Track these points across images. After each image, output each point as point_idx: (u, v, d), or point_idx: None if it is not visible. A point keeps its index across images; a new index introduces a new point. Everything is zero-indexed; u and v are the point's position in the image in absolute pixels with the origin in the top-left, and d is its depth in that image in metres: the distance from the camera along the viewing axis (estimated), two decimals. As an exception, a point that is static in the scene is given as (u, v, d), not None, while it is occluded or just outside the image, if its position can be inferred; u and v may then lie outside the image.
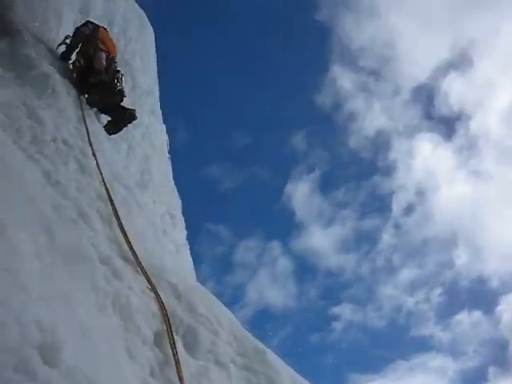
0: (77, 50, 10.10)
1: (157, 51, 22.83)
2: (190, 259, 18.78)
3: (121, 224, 5.65)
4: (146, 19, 22.52)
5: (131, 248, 5.24)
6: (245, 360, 5.03)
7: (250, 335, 5.61)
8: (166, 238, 13.23)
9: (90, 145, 7.39)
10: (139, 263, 5.03)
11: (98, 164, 6.93)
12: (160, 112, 20.93)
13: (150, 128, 18.98)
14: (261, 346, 5.40)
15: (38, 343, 2.27)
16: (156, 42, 22.77)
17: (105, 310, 3.92)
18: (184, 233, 19.10)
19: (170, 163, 20.33)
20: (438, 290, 47.51)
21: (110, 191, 6.42)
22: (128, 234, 5.51)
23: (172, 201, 19.07)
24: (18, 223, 3.17)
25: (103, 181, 6.51)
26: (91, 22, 10.86)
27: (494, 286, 47.35)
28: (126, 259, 5.28)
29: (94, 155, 7.12)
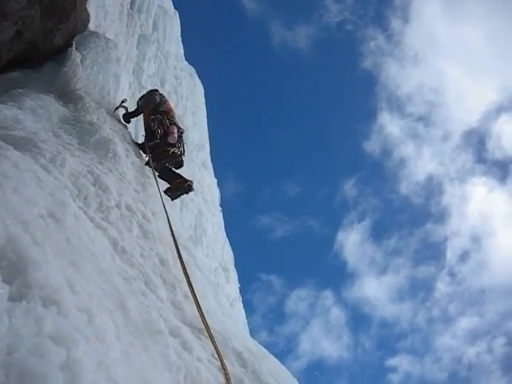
0: (152, 117, 10.51)
1: (206, 105, 23.47)
2: (243, 313, 18.77)
3: (192, 290, 5.72)
4: (196, 76, 23.30)
5: (202, 316, 5.28)
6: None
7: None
8: (221, 293, 13.20)
9: (164, 208, 7.64)
10: (209, 332, 5.05)
11: (172, 231, 7.11)
12: (211, 165, 21.38)
13: (202, 182, 19.39)
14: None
15: None
16: (205, 97, 23.43)
17: (179, 387, 3.94)
18: (237, 286, 19.15)
19: (221, 216, 20.60)
20: (502, 340, 45.35)
21: (177, 255, 6.56)
22: (199, 302, 5.56)
23: (225, 254, 19.22)
24: (99, 304, 3.25)
25: (176, 246, 6.66)
26: (157, 91, 11.51)
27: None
28: (191, 326, 5.35)
29: (168, 221, 7.33)
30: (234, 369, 5.08)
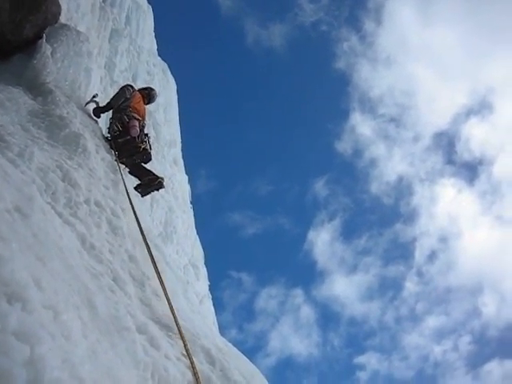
0: (110, 117, 10.66)
1: (179, 102, 23.35)
2: (213, 310, 18.74)
3: (164, 288, 5.68)
4: (169, 71, 23.15)
5: (173, 314, 5.25)
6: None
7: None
8: (190, 290, 13.17)
9: (131, 204, 7.57)
10: (180, 330, 5.04)
11: (140, 227, 7.04)
12: (182, 162, 21.26)
13: (173, 178, 19.28)
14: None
15: None
16: (178, 94, 23.31)
17: (146, 384, 3.92)
18: (207, 283, 19.12)
19: (192, 213, 20.50)
20: (467, 339, 46.27)
21: (146, 250, 6.52)
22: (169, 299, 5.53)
23: (195, 251, 19.15)
24: (66, 300, 3.21)
25: (146, 243, 6.62)
26: (131, 86, 11.54)
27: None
28: (159, 324, 5.34)
29: (136, 217, 7.26)
30: (202, 366, 5.07)
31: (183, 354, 4.94)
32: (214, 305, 19.77)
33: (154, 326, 5.14)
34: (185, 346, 4.86)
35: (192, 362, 4.79)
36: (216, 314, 19.74)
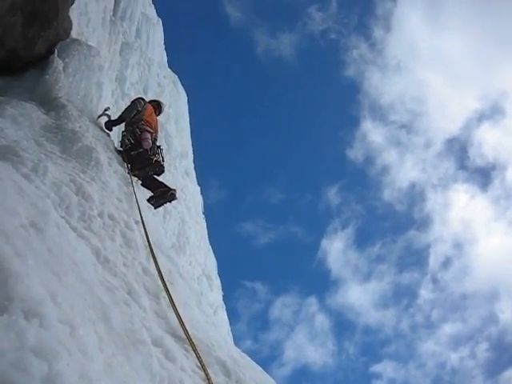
0: (123, 130, 10.78)
1: (190, 113, 23.47)
2: (227, 320, 18.72)
3: (172, 301, 5.70)
4: (179, 83, 23.29)
5: (183, 326, 5.27)
6: None
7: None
8: (204, 302, 13.17)
9: (141, 217, 7.59)
10: (191, 343, 5.04)
11: (148, 240, 7.07)
12: (194, 173, 21.33)
13: (185, 189, 19.34)
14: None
15: None
16: (189, 105, 23.44)
17: (162, 398, 3.92)
18: (220, 294, 19.11)
19: (204, 224, 20.54)
20: (484, 346, 45.69)
21: (159, 262, 6.54)
22: (179, 311, 5.55)
23: (208, 262, 19.16)
24: (82, 315, 3.23)
25: (154, 257, 6.64)
26: (143, 99, 11.64)
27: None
28: (175, 336, 5.34)
29: (145, 231, 7.29)
30: (217, 378, 5.06)
31: (198, 366, 4.94)
32: (228, 315, 19.75)
33: (169, 338, 5.14)
34: (198, 357, 4.86)
35: (207, 374, 4.79)
36: (230, 325, 19.72)
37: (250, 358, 7.45)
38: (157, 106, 11.74)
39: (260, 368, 7.27)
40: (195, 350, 4.98)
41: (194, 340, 5.27)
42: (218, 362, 5.42)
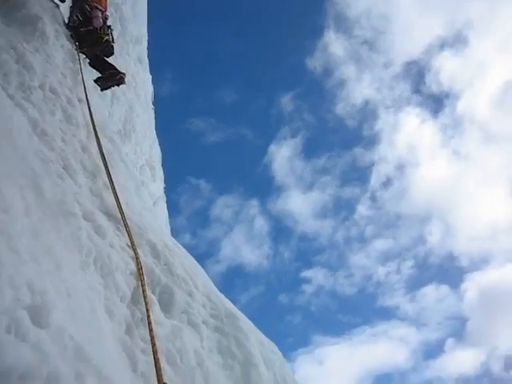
0: (70, 5, 10.10)
1: (149, -1, 22.28)
2: (166, 213, 18.88)
3: (111, 180, 5.67)
4: (139, -37, 21.88)
5: (119, 205, 5.28)
6: (217, 322, 5.15)
7: (223, 298, 5.75)
8: (145, 190, 13.21)
9: (86, 96, 7.36)
10: (124, 221, 5.09)
11: (92, 119, 6.90)
12: (147, 61, 20.54)
13: (136, 77, 18.68)
14: (233, 309, 5.55)
15: (28, 305, 2.34)
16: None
17: (87, 268, 3.99)
18: (162, 185, 19.12)
19: (153, 114, 20.13)
20: (410, 263, 48.43)
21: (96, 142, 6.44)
22: (117, 191, 5.54)
23: (153, 152, 18.98)
24: (9, 178, 3.20)
25: (96, 136, 6.51)
26: None
27: (462, 264, 48.58)
28: (108, 214, 5.35)
29: (89, 109, 7.09)
30: (146, 258, 5.15)
31: (128, 245, 5.01)
32: (168, 208, 19.86)
33: (101, 215, 5.15)
34: (129, 236, 4.93)
35: (136, 253, 4.88)
36: (170, 217, 19.88)
37: (184, 249, 7.59)
38: None
39: (192, 258, 7.42)
40: (127, 229, 5.04)
41: (127, 221, 5.31)
42: (149, 243, 5.49)
